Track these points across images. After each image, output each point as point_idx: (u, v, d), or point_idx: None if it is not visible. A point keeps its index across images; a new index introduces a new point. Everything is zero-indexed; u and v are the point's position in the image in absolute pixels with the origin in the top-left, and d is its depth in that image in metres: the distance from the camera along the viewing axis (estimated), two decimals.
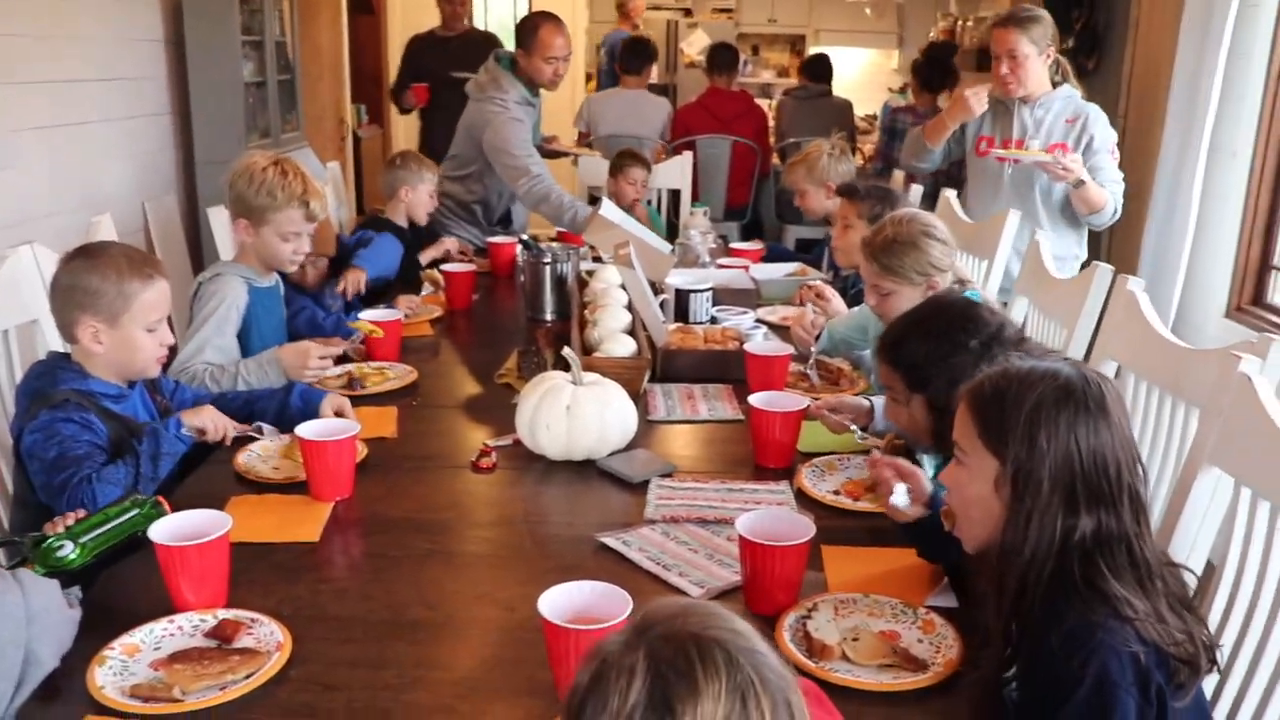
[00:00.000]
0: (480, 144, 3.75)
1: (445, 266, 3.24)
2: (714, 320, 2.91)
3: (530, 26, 3.74)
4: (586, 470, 2.00)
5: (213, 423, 1.94)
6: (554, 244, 3.10)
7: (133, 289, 1.88)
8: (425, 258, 3.50)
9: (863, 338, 2.72)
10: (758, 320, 2.97)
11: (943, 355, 1.79)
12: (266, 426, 2.05)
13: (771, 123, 5.94)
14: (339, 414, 2.10)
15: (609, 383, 2.06)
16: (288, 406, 2.12)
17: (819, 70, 5.72)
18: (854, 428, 2.08)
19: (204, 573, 1.48)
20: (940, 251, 2.33)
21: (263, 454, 2.01)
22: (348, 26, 6.62)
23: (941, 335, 1.82)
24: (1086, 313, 2.36)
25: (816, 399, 2.18)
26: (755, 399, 2.07)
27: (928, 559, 1.67)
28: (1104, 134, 3.29)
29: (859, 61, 9.26)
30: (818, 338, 2.62)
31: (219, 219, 2.98)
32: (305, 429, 1.85)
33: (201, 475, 1.96)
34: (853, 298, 3.09)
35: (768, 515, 1.60)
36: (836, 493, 1.94)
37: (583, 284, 2.87)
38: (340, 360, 2.56)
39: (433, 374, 2.55)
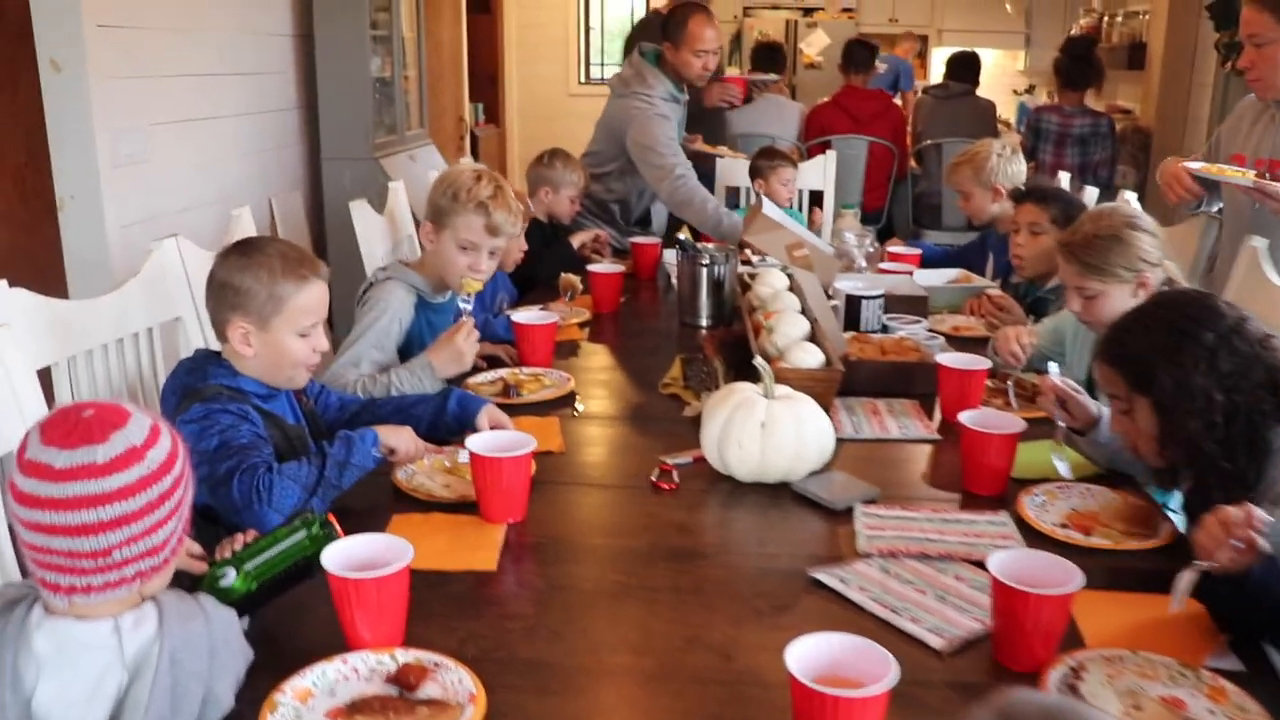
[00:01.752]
0: (621, 141, 3.57)
1: (592, 268, 3.06)
2: (885, 329, 2.68)
3: (679, 19, 3.55)
4: (780, 494, 1.79)
5: (408, 445, 1.78)
6: (710, 245, 2.90)
7: (286, 291, 1.73)
8: (577, 240, 3.34)
9: (1059, 351, 2.46)
10: (930, 330, 2.72)
11: (1171, 349, 1.55)
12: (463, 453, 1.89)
13: (909, 124, 5.67)
14: (495, 426, 1.92)
15: (803, 397, 1.85)
16: (444, 413, 1.95)
17: (964, 69, 5.43)
18: (1058, 460, 1.83)
19: (382, 608, 1.30)
20: (1149, 243, 2.10)
21: (424, 469, 1.84)
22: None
23: (1169, 327, 1.58)
24: None
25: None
26: (967, 418, 1.84)
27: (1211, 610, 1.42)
28: None
29: (983, 62, 8.90)
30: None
31: (362, 214, 2.84)
32: (477, 443, 1.66)
33: (355, 490, 1.79)
34: (1029, 308, 2.83)
35: (1024, 557, 1.38)
36: (1065, 525, 1.70)
37: (743, 288, 2.65)
38: (492, 364, 2.39)
39: (589, 382, 2.36)
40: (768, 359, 2.18)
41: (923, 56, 9.05)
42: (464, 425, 1.92)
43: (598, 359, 2.62)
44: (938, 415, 2.16)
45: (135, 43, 3.24)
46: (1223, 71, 4.67)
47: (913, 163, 5.38)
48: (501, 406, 2.01)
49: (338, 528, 1.40)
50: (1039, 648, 1.32)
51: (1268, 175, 2.42)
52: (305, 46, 4.28)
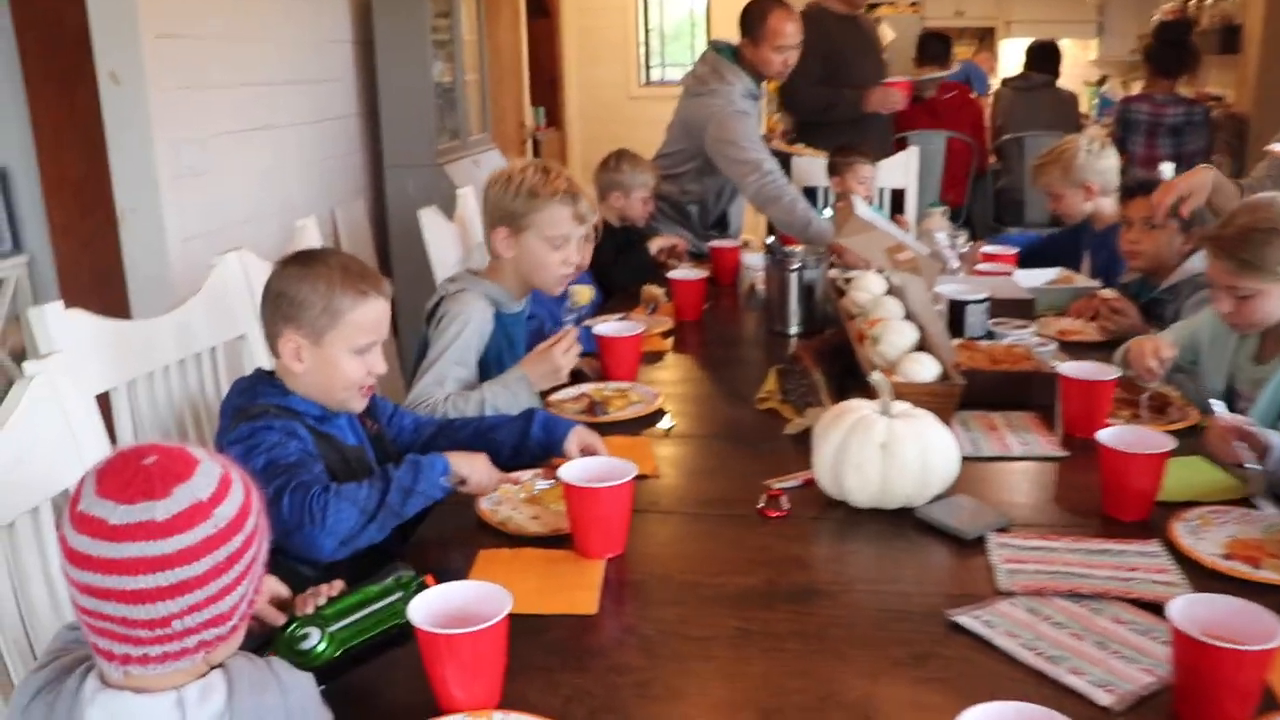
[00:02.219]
0: (699, 140, 3.41)
1: (674, 274, 2.90)
2: (991, 335, 2.49)
3: (759, 13, 3.39)
4: (901, 521, 1.62)
5: (481, 475, 1.63)
6: (800, 248, 2.73)
7: (343, 305, 1.60)
8: (654, 246, 3.19)
9: (1191, 360, 2.25)
10: (1040, 335, 2.53)
11: None
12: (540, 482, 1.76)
13: (988, 118, 5.44)
14: (586, 451, 1.77)
15: (924, 414, 1.67)
16: (528, 438, 1.80)
17: (1044, 59, 5.20)
18: (1252, 465, 1.63)
19: (478, 665, 1.15)
20: None
21: (510, 498, 1.69)
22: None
23: None
24: None
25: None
26: (1107, 437, 1.65)
27: None
28: None
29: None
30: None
31: (432, 222, 2.71)
32: (571, 472, 1.51)
33: (436, 521, 1.65)
34: (1144, 309, 2.62)
35: (1209, 603, 1.19)
36: (1228, 556, 1.51)
37: (838, 293, 2.48)
38: (575, 379, 2.25)
39: (678, 397, 2.20)
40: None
41: (990, 47, 8.76)
42: (550, 450, 1.78)
43: (685, 371, 2.46)
44: (1059, 429, 1.98)
45: (194, 52, 3.15)
46: None
47: (993, 158, 5.15)
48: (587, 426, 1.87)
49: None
50: (1234, 710, 1.14)
51: None
52: (365, 52, 4.18)
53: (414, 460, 1.56)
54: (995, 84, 7.18)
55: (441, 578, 1.25)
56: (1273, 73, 4.79)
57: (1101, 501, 1.67)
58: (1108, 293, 2.61)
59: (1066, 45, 8.78)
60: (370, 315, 1.64)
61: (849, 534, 1.60)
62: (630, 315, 2.62)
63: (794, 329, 2.69)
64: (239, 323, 1.98)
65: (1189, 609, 1.17)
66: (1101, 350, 2.49)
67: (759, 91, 3.49)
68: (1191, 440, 1.86)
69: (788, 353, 2.38)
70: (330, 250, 1.78)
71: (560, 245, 2.19)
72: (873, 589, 1.44)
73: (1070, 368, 1.99)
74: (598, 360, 2.31)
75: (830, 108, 4.13)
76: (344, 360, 1.63)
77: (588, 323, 2.64)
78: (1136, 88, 5.93)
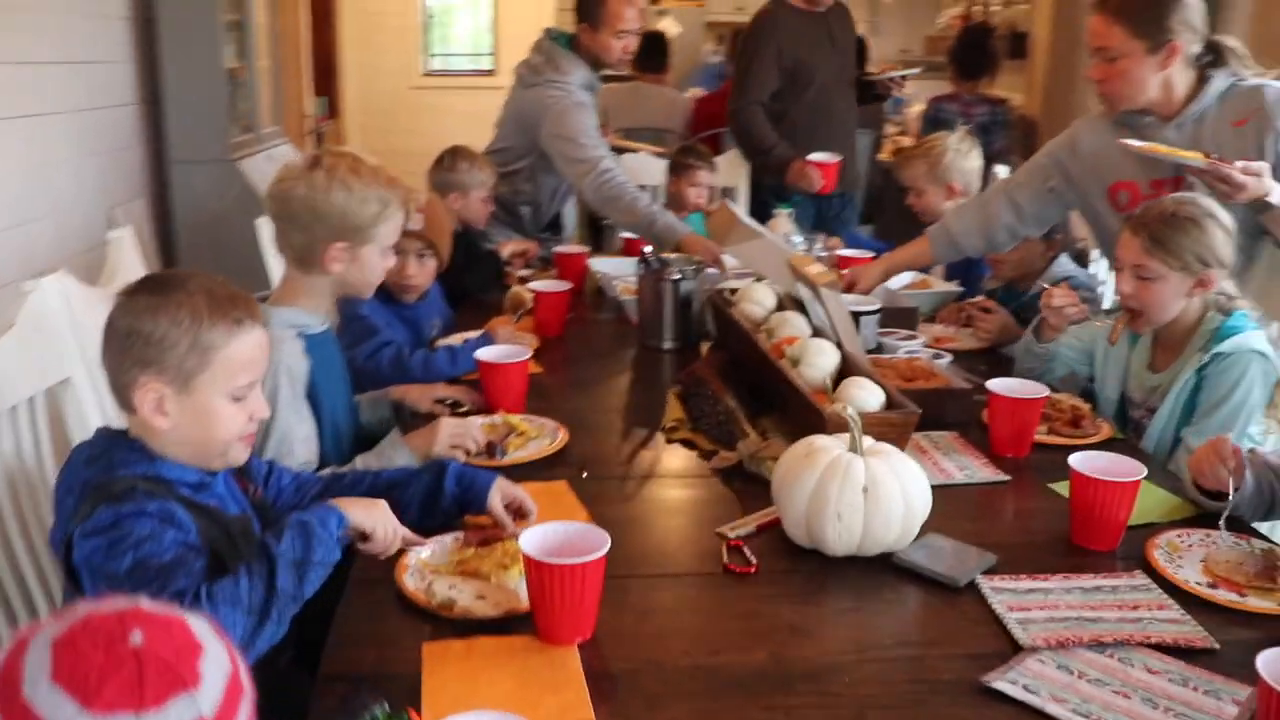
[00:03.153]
0: (533, 136, 3.17)
1: (536, 285, 2.66)
2: (879, 348, 2.40)
3: None
4: (876, 568, 1.48)
5: (386, 527, 1.36)
6: (676, 257, 2.56)
7: (214, 339, 1.31)
8: (507, 251, 2.95)
9: (1086, 363, 2.24)
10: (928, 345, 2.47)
11: None
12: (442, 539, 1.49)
13: None
14: (512, 508, 1.53)
15: (891, 449, 1.54)
16: (440, 494, 1.54)
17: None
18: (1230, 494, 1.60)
19: None
20: (1222, 242, 1.93)
21: (441, 571, 1.43)
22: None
23: None
24: None
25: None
26: (1080, 462, 1.57)
27: None
28: None
29: None
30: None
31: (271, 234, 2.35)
32: (533, 543, 1.27)
33: (354, 606, 1.36)
34: (1016, 314, 2.62)
35: None
36: (1212, 585, 1.46)
37: (723, 305, 2.32)
38: (453, 410, 1.99)
39: (573, 429, 1.95)
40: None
41: None
42: (467, 507, 1.54)
43: (567, 397, 2.22)
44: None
45: None
46: None
47: None
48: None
49: None
50: None
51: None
52: (146, 32, 3.67)
53: (299, 521, 1.28)
54: None
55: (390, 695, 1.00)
56: (1059, 77, 5.03)
57: (1071, 530, 1.59)
58: (980, 299, 2.57)
59: None
60: (247, 349, 1.35)
61: (832, 588, 1.44)
62: (494, 325, 2.36)
63: (669, 344, 2.51)
64: (62, 364, 1.61)
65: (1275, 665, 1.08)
66: (986, 357, 2.46)
67: (598, 83, 3.28)
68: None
69: (682, 373, 2.20)
70: (187, 272, 1.44)
71: (391, 254, 1.91)
72: (889, 655, 1.29)
73: (999, 385, 1.91)
74: (477, 389, 2.06)
75: (767, 151, 3.75)
76: (221, 408, 1.33)
77: (447, 342, 2.37)
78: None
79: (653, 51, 4.92)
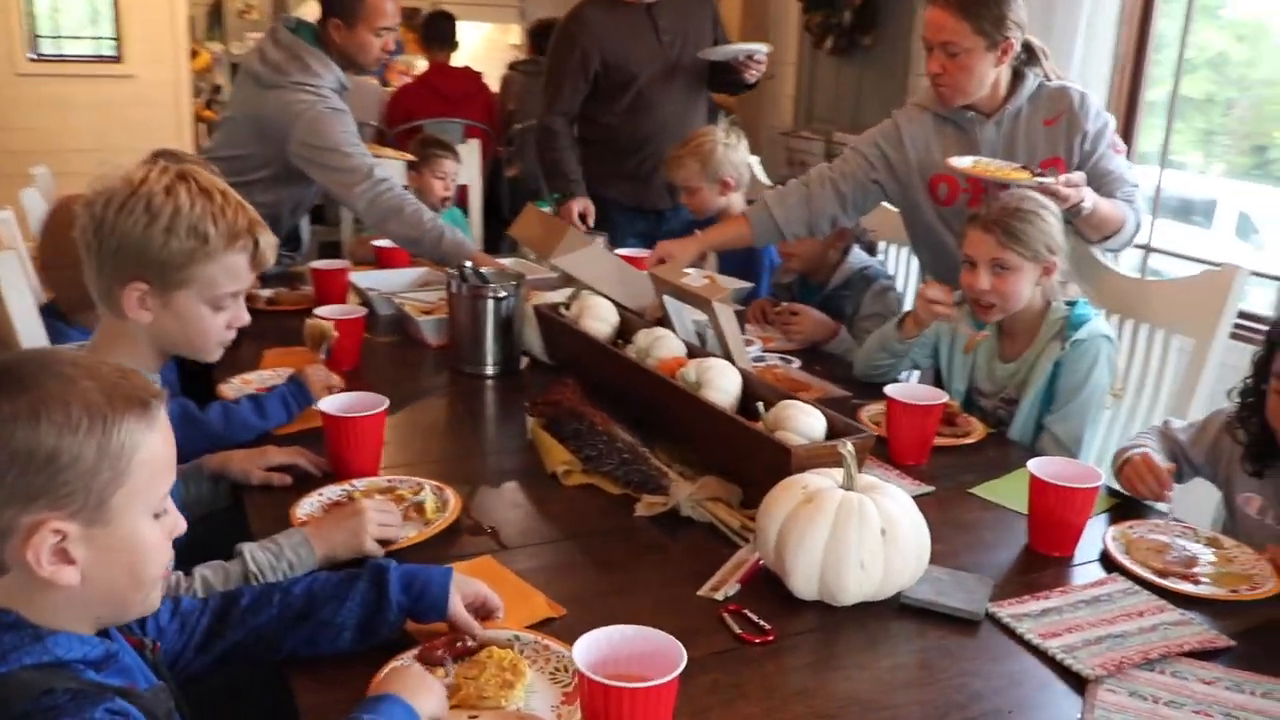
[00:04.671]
0: (277, 143, 2.76)
1: (326, 310, 2.30)
2: None
3: None
4: (880, 612, 1.37)
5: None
6: (490, 270, 2.30)
7: (125, 440, 0.96)
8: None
9: (930, 356, 2.27)
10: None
11: None
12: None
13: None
14: (474, 607, 1.28)
15: (880, 482, 1.43)
16: (384, 609, 1.23)
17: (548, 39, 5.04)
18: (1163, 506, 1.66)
19: None
20: (1058, 230, 2.04)
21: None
22: None
23: None
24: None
25: None
26: (1038, 469, 1.55)
27: None
28: (1099, 121, 2.28)
29: (480, 34, 8.63)
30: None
31: (10, 273, 1.84)
32: (587, 662, 1.03)
33: None
34: (819, 307, 2.62)
35: None
36: (1163, 573, 1.50)
37: (547, 321, 2.10)
38: (293, 474, 1.67)
39: (448, 484, 1.67)
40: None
41: (414, 27, 8.53)
42: (418, 619, 1.25)
43: (409, 446, 1.91)
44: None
45: None
46: (814, 52, 4.79)
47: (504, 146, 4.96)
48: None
49: None
50: None
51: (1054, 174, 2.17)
52: None
53: None
54: None
55: None
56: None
57: (1030, 537, 1.58)
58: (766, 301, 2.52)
59: (489, 29, 8.89)
60: (165, 442, 1.01)
61: (855, 644, 1.31)
62: (302, 368, 1.99)
63: (491, 369, 2.26)
64: None
65: None
66: (805, 356, 2.42)
67: (348, 83, 2.91)
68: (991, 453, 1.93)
69: (539, 403, 1.97)
70: (31, 354, 1.05)
71: (227, 305, 1.53)
72: (973, 714, 1.18)
73: (898, 392, 1.86)
74: (313, 447, 1.73)
75: (558, 176, 3.35)
76: (148, 533, 0.99)
77: (240, 389, 2.00)
78: None
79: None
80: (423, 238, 2.74)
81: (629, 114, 3.34)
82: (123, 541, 0.97)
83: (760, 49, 3.30)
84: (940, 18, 2.21)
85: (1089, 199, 2.12)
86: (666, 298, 2.05)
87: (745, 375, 1.82)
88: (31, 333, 1.83)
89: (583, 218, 3.25)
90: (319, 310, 2.32)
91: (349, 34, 2.81)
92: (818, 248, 2.69)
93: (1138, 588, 1.46)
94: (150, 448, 0.97)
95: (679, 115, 3.33)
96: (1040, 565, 1.54)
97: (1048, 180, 2.08)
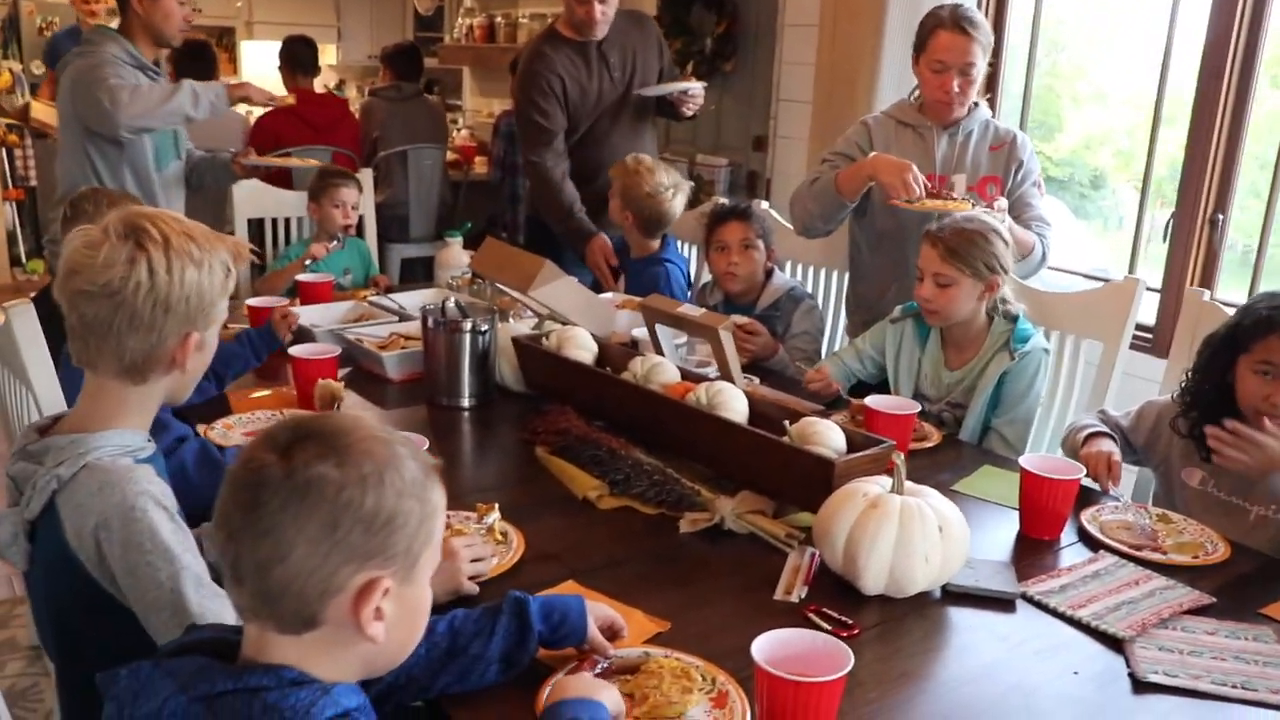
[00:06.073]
0: (76, 131, 3.00)
1: (299, 350, 2.32)
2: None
3: None
4: (930, 600, 1.57)
5: None
6: (471, 303, 2.37)
7: (434, 499, 1.03)
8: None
9: (879, 362, 2.49)
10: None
11: None
12: None
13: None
14: (604, 629, 1.39)
15: (920, 485, 1.63)
16: (527, 640, 1.31)
17: (410, 67, 5.04)
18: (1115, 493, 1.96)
19: None
20: (1005, 253, 2.29)
21: None
22: None
23: None
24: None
25: None
26: (1029, 464, 1.80)
27: None
28: (1033, 162, 2.68)
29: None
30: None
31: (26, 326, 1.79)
32: (769, 661, 1.17)
33: None
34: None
35: None
36: (1137, 548, 1.77)
37: (526, 352, 2.19)
38: None
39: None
40: None
41: (230, 50, 8.29)
42: (556, 647, 1.35)
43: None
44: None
45: None
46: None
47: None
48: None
49: None
50: None
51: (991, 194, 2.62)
52: None
53: None
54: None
55: None
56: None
57: (1022, 524, 1.82)
58: (740, 318, 2.70)
59: None
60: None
61: (926, 629, 1.50)
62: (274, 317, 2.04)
63: (468, 400, 2.35)
64: None
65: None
66: (753, 370, 2.60)
67: (152, 67, 3.09)
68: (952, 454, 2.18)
69: (539, 431, 2.08)
70: (346, 419, 1.06)
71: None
72: (1049, 678, 1.39)
73: (875, 401, 2.07)
74: None
75: (567, 217, 3.43)
76: (429, 589, 1.07)
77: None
78: None
79: (196, 58, 4.39)
80: (176, 97, 2.94)
81: (580, 147, 3.46)
82: (416, 599, 1.04)
83: (696, 86, 3.49)
84: (963, 43, 2.57)
85: (1008, 222, 2.43)
86: (658, 327, 2.19)
87: (749, 397, 1.99)
88: (47, 388, 1.79)
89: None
90: (293, 350, 2.32)
91: (153, 5, 2.94)
92: (755, 269, 2.88)
93: (1124, 561, 1.72)
94: (443, 511, 1.05)
95: (629, 146, 3.45)
96: (1034, 549, 1.77)
97: (982, 205, 2.41)
